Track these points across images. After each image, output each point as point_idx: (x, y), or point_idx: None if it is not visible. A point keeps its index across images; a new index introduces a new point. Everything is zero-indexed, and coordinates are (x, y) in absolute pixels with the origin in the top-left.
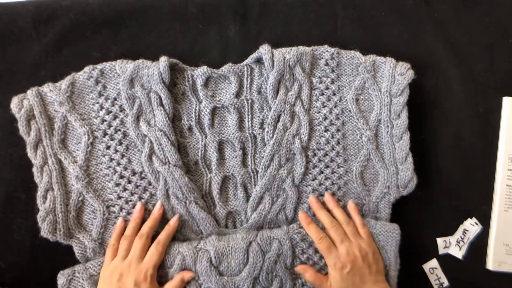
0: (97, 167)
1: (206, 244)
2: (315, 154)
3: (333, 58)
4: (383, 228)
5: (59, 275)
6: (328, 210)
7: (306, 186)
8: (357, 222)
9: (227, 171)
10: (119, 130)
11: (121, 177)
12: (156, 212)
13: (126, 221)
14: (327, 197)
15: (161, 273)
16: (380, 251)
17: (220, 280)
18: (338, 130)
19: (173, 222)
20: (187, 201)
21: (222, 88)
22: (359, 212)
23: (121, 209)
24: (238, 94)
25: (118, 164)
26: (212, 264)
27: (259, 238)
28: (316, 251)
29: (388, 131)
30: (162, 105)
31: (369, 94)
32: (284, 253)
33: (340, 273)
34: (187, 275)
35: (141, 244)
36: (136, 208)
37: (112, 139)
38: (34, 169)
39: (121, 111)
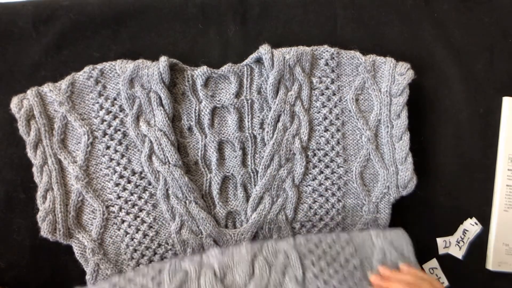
0: (97, 167)
1: (209, 259)
2: (315, 154)
3: (333, 58)
4: (393, 235)
5: None
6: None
7: (306, 186)
8: None
9: (227, 171)
10: (119, 130)
11: (121, 177)
12: None
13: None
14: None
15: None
16: (400, 259)
17: None
18: (338, 130)
19: None
20: (187, 201)
21: (222, 88)
22: None
23: (120, 209)
24: (238, 94)
25: (118, 164)
26: (217, 276)
27: (264, 251)
28: (328, 263)
29: (388, 131)
30: (162, 105)
31: (369, 94)
32: (292, 265)
33: None
34: None
35: None
36: None
37: (112, 139)
38: (34, 169)
39: (121, 111)
